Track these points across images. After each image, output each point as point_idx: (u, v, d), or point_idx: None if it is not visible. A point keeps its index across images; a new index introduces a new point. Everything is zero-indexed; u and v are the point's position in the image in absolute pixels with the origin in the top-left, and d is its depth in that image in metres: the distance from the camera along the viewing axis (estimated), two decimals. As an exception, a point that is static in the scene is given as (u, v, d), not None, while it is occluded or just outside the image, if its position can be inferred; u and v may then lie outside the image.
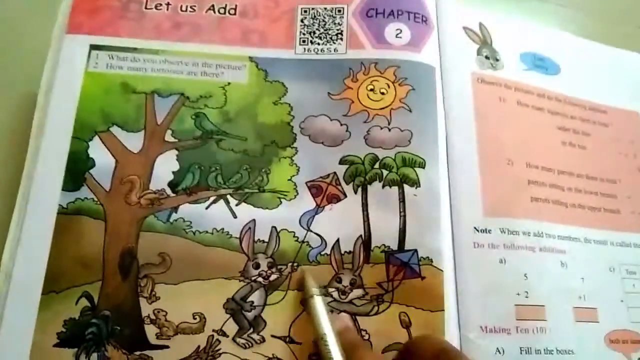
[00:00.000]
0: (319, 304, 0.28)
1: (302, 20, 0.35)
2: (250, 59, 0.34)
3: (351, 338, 0.27)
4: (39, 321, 0.27)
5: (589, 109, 0.39)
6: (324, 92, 0.33)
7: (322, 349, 0.26)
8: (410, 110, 0.32)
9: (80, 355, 0.27)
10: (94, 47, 0.33)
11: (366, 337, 0.28)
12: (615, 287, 0.34)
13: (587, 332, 0.32)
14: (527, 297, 0.31)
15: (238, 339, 0.28)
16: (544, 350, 0.30)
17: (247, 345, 0.28)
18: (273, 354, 0.28)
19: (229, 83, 0.33)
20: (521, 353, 0.29)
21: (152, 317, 0.28)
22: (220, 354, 0.28)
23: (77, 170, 0.30)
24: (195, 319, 0.28)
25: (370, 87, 0.33)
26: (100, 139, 0.31)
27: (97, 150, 0.31)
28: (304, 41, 0.34)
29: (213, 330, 0.28)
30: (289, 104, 0.33)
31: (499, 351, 0.29)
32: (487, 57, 0.37)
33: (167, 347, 0.28)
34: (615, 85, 0.41)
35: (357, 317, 0.29)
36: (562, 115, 0.38)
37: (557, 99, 0.38)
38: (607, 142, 0.38)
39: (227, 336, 0.28)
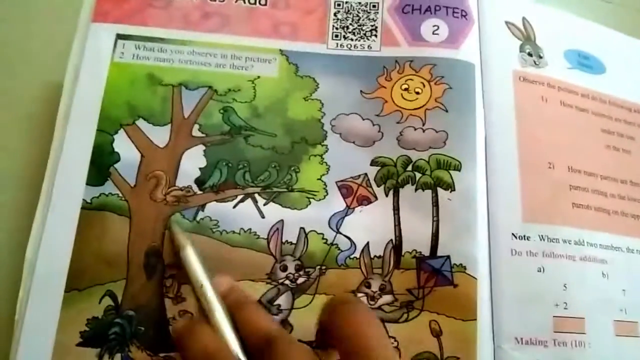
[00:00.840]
0: (191, 254, 0.28)
1: (335, 14, 0.34)
2: (281, 52, 0.33)
3: (237, 297, 0.27)
4: (61, 319, 0.28)
5: (634, 111, 0.38)
6: (356, 89, 0.33)
7: (202, 301, 0.26)
8: (446, 110, 0.32)
9: (103, 355, 0.28)
10: (120, 37, 0.33)
11: (395, 344, 0.28)
12: (657, 300, 0.33)
13: (627, 347, 0.31)
14: (565, 308, 0.30)
15: (264, 343, 0.28)
16: (583, 364, 0.29)
17: (273, 350, 0.28)
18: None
19: (258, 77, 0.33)
20: (558, 366, 0.29)
21: (178, 318, 0.28)
22: (246, 358, 0.28)
23: (102, 164, 0.30)
24: (221, 321, 0.28)
25: (405, 86, 0.33)
26: (126, 133, 0.31)
27: (122, 144, 0.31)
28: (336, 36, 0.34)
29: (239, 333, 0.28)
30: (320, 101, 0.32)
31: (534, 364, 0.29)
32: (530, 54, 0.36)
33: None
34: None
35: (386, 324, 0.29)
36: (607, 118, 0.37)
37: (601, 100, 0.37)
38: (653, 147, 0.37)
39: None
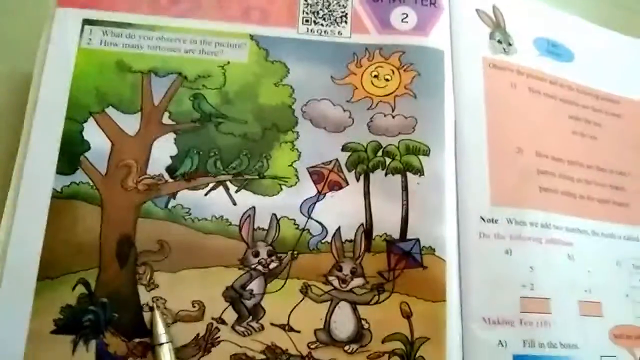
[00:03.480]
0: (166, 354, 0.29)
1: (305, -1, 0.36)
2: (251, 37, 0.35)
3: None
4: (34, 308, 0.29)
5: (601, 98, 0.41)
6: (327, 75, 0.34)
7: None
8: (415, 97, 0.34)
9: (78, 342, 0.29)
10: (87, 22, 0.34)
11: (366, 326, 0.31)
12: (622, 282, 0.36)
13: (591, 327, 0.34)
14: (532, 289, 0.33)
15: (237, 327, 0.30)
16: (548, 344, 0.32)
17: (246, 333, 0.30)
18: (272, 342, 0.30)
19: (228, 62, 0.34)
20: (524, 346, 0.32)
21: (151, 304, 0.30)
22: (219, 342, 0.30)
23: (72, 153, 0.32)
24: (194, 307, 0.30)
25: (375, 73, 0.35)
26: (95, 121, 0.32)
27: (92, 133, 0.32)
28: (307, 21, 0.36)
29: (212, 318, 0.30)
30: (291, 86, 0.34)
31: (501, 343, 0.31)
32: (499, 42, 0.38)
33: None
34: (629, 75, 0.42)
35: (358, 306, 0.31)
36: (574, 104, 0.39)
37: (569, 87, 0.39)
38: (619, 134, 0.40)
39: (227, 324, 0.30)
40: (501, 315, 0.32)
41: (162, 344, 0.29)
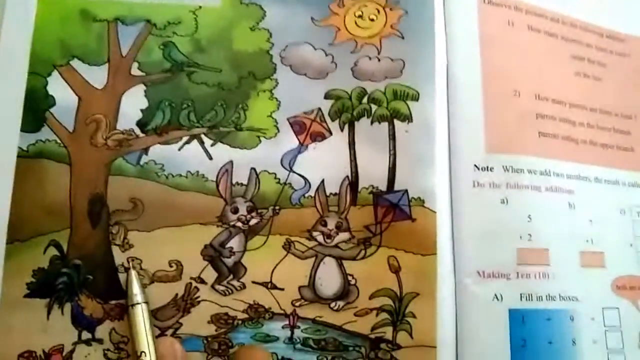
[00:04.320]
0: (139, 314, 0.28)
1: None
2: (224, -22, 0.33)
3: None
4: (5, 271, 0.28)
5: (606, 36, 0.38)
6: (307, 17, 0.32)
7: None
8: (402, 37, 0.32)
9: (52, 305, 0.28)
10: None
11: (353, 282, 0.29)
12: (625, 230, 0.35)
13: (593, 278, 0.33)
14: (530, 240, 0.31)
15: (217, 286, 0.29)
16: (546, 296, 0.31)
17: (227, 292, 0.29)
18: (254, 301, 0.29)
19: (200, 7, 0.32)
20: (521, 299, 0.30)
21: (126, 265, 0.29)
22: (199, 302, 0.29)
23: (36, 109, 0.30)
24: (171, 266, 0.29)
25: (359, 13, 0.32)
26: (60, 74, 0.31)
27: (57, 87, 0.31)
28: (283, -42, 0.33)
29: (191, 278, 0.29)
30: (268, 30, 0.32)
31: (496, 297, 0.30)
32: (495, -25, 0.35)
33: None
34: (636, 11, 0.39)
35: (343, 262, 0.30)
36: (577, 43, 0.37)
37: (572, 24, 0.37)
38: (624, 74, 0.38)
39: (206, 283, 0.29)
40: (496, 268, 0.31)
41: (136, 304, 0.28)
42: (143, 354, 0.26)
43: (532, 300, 0.31)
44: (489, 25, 0.34)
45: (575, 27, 0.37)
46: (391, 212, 0.30)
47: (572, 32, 0.37)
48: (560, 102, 0.35)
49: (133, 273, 0.28)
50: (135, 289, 0.28)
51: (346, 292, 0.29)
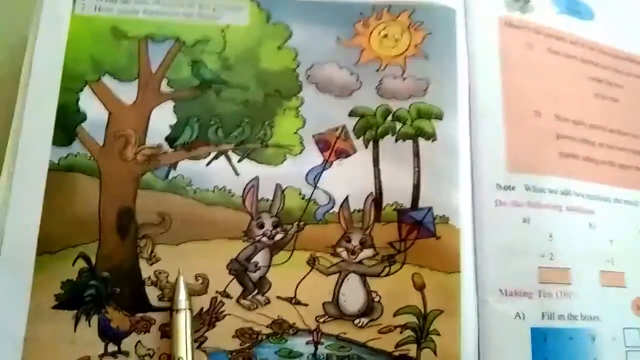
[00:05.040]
0: (182, 320, 0.27)
1: (308, -44, 0.33)
2: (252, -2, 0.33)
3: None
4: (35, 283, 0.28)
5: (623, 58, 0.38)
6: (333, 37, 0.32)
7: None
8: (426, 58, 0.32)
9: (80, 317, 0.28)
10: None
11: (377, 299, 0.29)
12: (645, 251, 0.34)
13: (613, 298, 0.32)
14: (551, 259, 0.30)
15: (242, 301, 0.28)
16: (568, 315, 0.30)
17: (251, 307, 0.28)
18: (279, 316, 0.28)
19: (228, 26, 0.32)
20: (543, 318, 0.29)
21: (153, 278, 0.28)
22: (224, 316, 0.28)
23: (68, 123, 0.30)
24: (197, 280, 0.28)
25: (384, 33, 0.32)
26: (91, 90, 0.31)
27: (88, 102, 0.30)
28: (310, -21, 0.33)
29: (216, 292, 0.28)
30: (294, 49, 0.32)
31: (519, 316, 0.29)
32: (515, -1, 0.35)
33: (169, 309, 0.28)
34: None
35: (367, 279, 0.29)
36: (595, 65, 0.36)
37: (590, 46, 0.37)
38: (641, 96, 0.37)
39: (231, 298, 0.28)
40: (518, 286, 0.30)
41: (180, 310, 0.27)
42: (180, 359, 0.26)
43: (554, 319, 0.30)
44: (510, 47, 0.34)
45: (593, 50, 0.37)
46: (415, 229, 0.29)
47: (590, 55, 0.36)
48: (580, 122, 0.34)
49: (181, 279, 0.28)
50: (182, 295, 0.27)
51: (370, 308, 0.28)
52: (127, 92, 0.31)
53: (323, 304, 0.28)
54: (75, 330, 0.28)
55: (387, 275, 0.29)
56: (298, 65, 0.31)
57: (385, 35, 0.32)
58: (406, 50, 0.32)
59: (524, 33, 0.35)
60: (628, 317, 0.32)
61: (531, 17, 0.35)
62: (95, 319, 0.28)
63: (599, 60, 0.36)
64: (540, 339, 0.29)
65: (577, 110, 0.34)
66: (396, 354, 0.28)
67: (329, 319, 0.28)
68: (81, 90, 0.30)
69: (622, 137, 0.36)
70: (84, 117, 0.30)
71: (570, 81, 0.35)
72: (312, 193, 0.30)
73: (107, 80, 0.31)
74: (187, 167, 0.30)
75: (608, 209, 0.33)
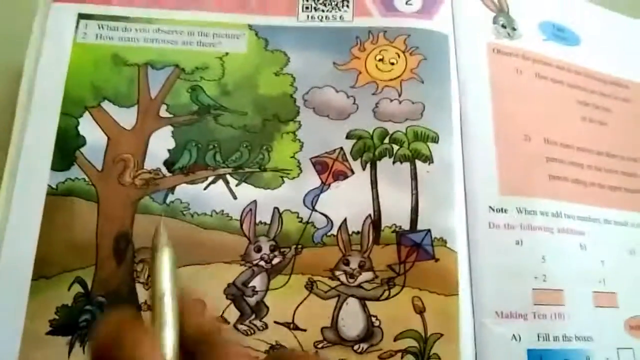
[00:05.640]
0: (166, 260, 0.23)
1: (305, -15, 0.33)
2: (250, 27, 0.32)
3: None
4: (29, 308, 0.27)
5: (610, 83, 0.37)
6: (329, 62, 0.32)
7: (155, 311, 0.22)
8: (422, 82, 0.31)
9: (74, 343, 0.26)
10: (82, 17, 0.32)
11: (377, 323, 0.27)
12: (636, 271, 0.33)
13: (606, 318, 0.31)
14: (544, 280, 0.30)
15: (240, 326, 0.27)
16: (562, 337, 0.29)
17: (249, 332, 0.27)
18: (276, 341, 0.27)
19: (226, 53, 0.32)
20: (538, 340, 0.28)
21: (150, 303, 0.27)
22: (221, 342, 0.27)
23: (67, 148, 0.29)
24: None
25: (379, 57, 0.32)
26: (91, 115, 0.30)
27: (88, 127, 0.30)
28: (307, 8, 0.33)
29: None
30: (292, 75, 0.31)
31: (515, 338, 0.28)
32: (503, 26, 0.35)
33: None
34: (638, 59, 0.39)
35: (367, 303, 0.28)
36: (582, 89, 0.36)
37: (576, 71, 0.36)
38: (629, 119, 0.37)
39: (229, 323, 0.27)
40: (514, 308, 0.29)
41: (162, 247, 0.22)
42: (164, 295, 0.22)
43: (549, 340, 0.29)
44: (499, 73, 0.34)
45: (580, 75, 0.36)
46: (414, 251, 0.28)
47: (577, 79, 0.36)
48: (569, 145, 0.34)
49: (162, 222, 0.24)
50: (163, 237, 0.23)
51: (370, 333, 0.27)
52: (126, 118, 0.30)
53: (322, 329, 0.27)
54: (69, 357, 0.26)
55: (387, 298, 0.28)
56: (295, 90, 0.31)
57: (381, 59, 0.32)
58: (402, 74, 0.31)
59: (512, 59, 0.34)
60: (622, 337, 0.31)
61: (519, 43, 0.35)
62: (89, 345, 0.26)
63: (586, 84, 0.36)
64: (537, 360, 0.28)
65: (565, 133, 0.34)
66: (396, 379, 0.27)
67: (328, 344, 0.27)
68: (81, 115, 0.30)
69: (611, 159, 0.35)
70: (83, 142, 0.29)
71: (558, 105, 0.35)
72: (310, 216, 0.29)
73: (106, 105, 0.30)
74: (185, 191, 0.29)
75: (598, 230, 0.33)
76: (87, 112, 0.30)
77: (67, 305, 0.27)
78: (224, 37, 0.32)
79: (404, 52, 0.32)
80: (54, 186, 0.28)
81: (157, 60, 0.31)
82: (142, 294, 0.27)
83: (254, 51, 0.32)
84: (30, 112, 0.29)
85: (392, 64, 0.32)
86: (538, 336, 0.29)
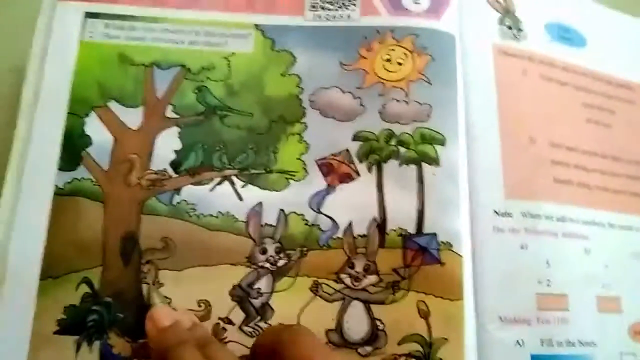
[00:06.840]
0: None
1: (312, -16, 0.32)
2: (256, 26, 0.31)
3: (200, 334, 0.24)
4: (37, 308, 0.26)
5: (615, 85, 0.36)
6: (336, 62, 0.31)
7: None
8: (429, 83, 0.30)
9: (82, 343, 0.26)
10: (88, 15, 0.31)
11: (381, 327, 0.27)
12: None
13: (610, 323, 0.30)
14: (548, 285, 0.29)
15: (245, 328, 0.27)
16: (566, 342, 0.28)
17: (254, 334, 0.26)
18: (282, 344, 0.26)
19: (233, 53, 0.31)
20: (542, 345, 0.28)
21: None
22: (226, 343, 0.26)
23: (73, 148, 0.28)
24: (200, 306, 0.27)
25: (387, 57, 0.31)
26: (97, 115, 0.29)
27: (94, 127, 0.29)
28: (314, 6, 0.32)
29: (219, 318, 0.27)
30: (298, 75, 0.30)
31: (519, 343, 0.28)
32: (509, 27, 0.34)
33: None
34: (641, 60, 0.38)
35: (371, 306, 0.27)
36: (588, 91, 0.35)
37: (582, 73, 0.35)
38: (634, 121, 0.36)
39: (234, 324, 0.27)
40: (518, 313, 0.28)
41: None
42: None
43: (552, 345, 0.28)
44: (505, 75, 0.32)
45: (586, 76, 0.35)
46: (420, 255, 0.27)
47: (583, 81, 0.35)
48: (574, 148, 0.33)
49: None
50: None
51: (374, 337, 0.26)
52: (132, 118, 0.29)
53: (326, 331, 0.27)
54: (76, 356, 0.26)
55: (391, 302, 0.27)
56: (302, 91, 0.30)
57: (389, 59, 0.31)
58: (409, 74, 0.30)
59: (518, 61, 0.33)
60: (625, 343, 0.30)
61: (524, 45, 0.34)
62: (97, 344, 0.26)
63: (591, 86, 0.35)
64: (541, 365, 0.27)
65: (570, 136, 0.33)
66: (401, 383, 0.26)
67: (332, 347, 0.26)
68: (87, 115, 0.29)
69: (616, 163, 0.34)
70: (89, 142, 0.29)
71: (563, 107, 0.34)
72: (316, 218, 0.28)
73: (113, 105, 0.29)
74: (191, 193, 0.28)
75: (602, 234, 0.32)
76: (93, 112, 0.29)
77: (74, 305, 0.26)
78: (230, 37, 0.31)
79: (411, 52, 0.31)
80: (60, 186, 0.28)
81: (164, 60, 0.30)
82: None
83: (261, 51, 0.31)
84: (36, 112, 0.29)
85: (400, 64, 0.31)
86: (542, 341, 0.28)
